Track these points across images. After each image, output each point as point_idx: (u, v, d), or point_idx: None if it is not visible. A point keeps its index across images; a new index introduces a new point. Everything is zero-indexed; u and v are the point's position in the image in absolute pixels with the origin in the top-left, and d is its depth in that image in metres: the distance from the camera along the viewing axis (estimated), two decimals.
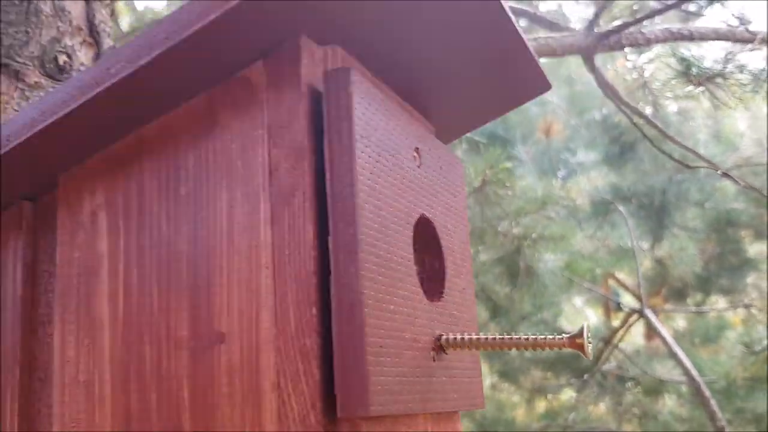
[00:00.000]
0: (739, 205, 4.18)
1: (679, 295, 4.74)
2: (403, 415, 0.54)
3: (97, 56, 0.90)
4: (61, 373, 0.60)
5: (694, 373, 3.39)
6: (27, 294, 0.64)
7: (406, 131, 0.61)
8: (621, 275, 5.05)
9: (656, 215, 4.11)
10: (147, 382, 0.56)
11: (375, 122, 0.56)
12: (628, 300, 5.13)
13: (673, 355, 3.61)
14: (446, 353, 0.60)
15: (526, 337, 0.57)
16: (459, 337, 0.59)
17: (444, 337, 0.60)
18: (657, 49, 2.67)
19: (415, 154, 0.62)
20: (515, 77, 0.70)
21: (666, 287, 4.63)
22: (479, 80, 0.70)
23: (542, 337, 0.57)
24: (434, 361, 0.58)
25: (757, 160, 3.72)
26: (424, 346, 0.57)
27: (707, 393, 3.31)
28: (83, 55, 0.88)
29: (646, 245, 4.24)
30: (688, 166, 3.03)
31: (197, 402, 0.53)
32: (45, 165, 0.63)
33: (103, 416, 0.57)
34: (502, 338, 0.58)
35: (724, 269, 4.42)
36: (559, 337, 0.56)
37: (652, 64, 2.86)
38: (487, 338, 0.58)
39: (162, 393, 0.55)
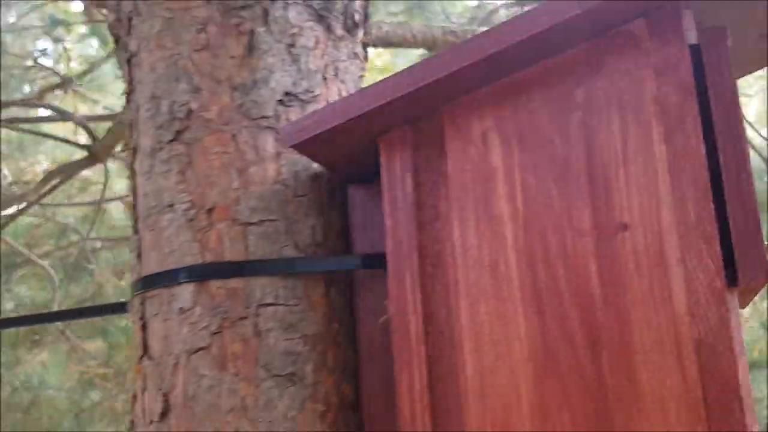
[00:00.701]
0: None
1: None
2: None
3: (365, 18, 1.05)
4: (463, 258, 0.76)
5: None
6: (415, 197, 0.80)
7: None
8: None
9: None
10: (552, 262, 0.72)
11: (727, 71, 0.73)
12: None
13: None
14: None
15: None
16: None
17: None
18: None
19: None
20: None
21: None
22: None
23: None
24: None
25: None
26: None
27: None
28: (361, 17, 1.04)
29: None
30: None
31: (605, 274, 0.70)
32: (428, 96, 0.79)
33: (510, 289, 0.74)
34: None
35: None
36: None
37: None
38: None
39: (569, 269, 0.72)
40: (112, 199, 3.76)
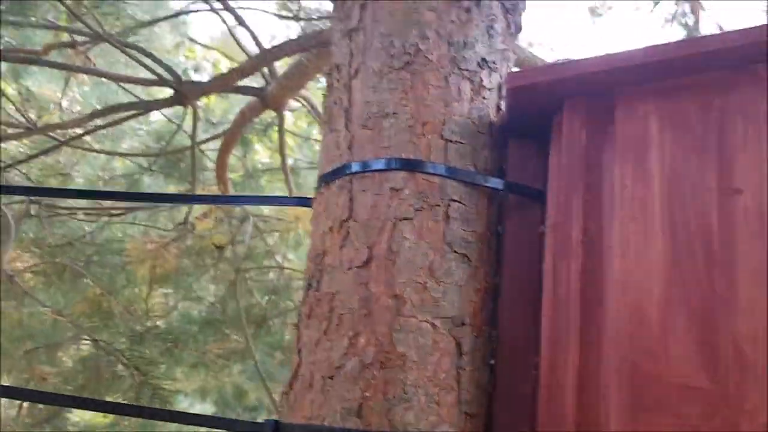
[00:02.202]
0: None
1: None
2: None
3: None
4: (620, 193, 1.07)
5: None
6: (586, 148, 1.11)
7: None
8: None
9: None
10: (686, 205, 1.05)
11: None
12: None
13: None
14: None
15: None
16: None
17: None
18: None
19: None
20: None
21: None
22: None
23: None
24: None
25: None
26: None
27: None
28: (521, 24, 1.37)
29: None
30: None
31: (722, 219, 1.03)
32: (607, 79, 1.12)
33: (653, 218, 1.05)
34: None
35: None
36: None
37: None
38: None
39: (697, 212, 1.04)
40: None
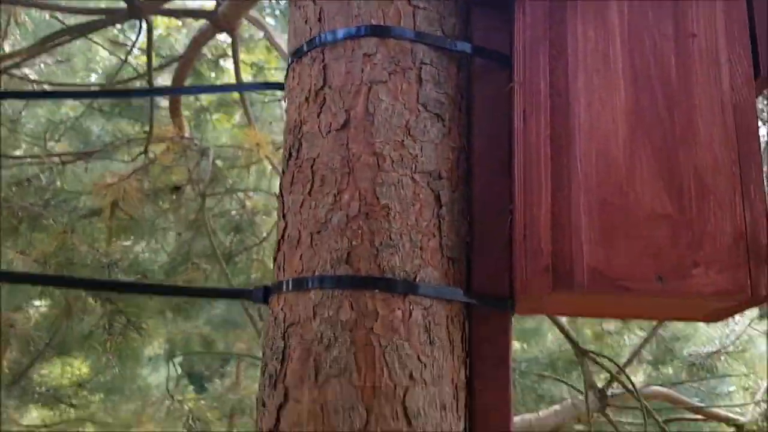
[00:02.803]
0: None
1: None
2: None
3: None
4: (583, 46, 1.12)
5: None
6: (549, 8, 1.15)
7: None
8: None
9: None
10: (646, 52, 1.10)
11: None
12: None
13: None
14: None
15: None
16: None
17: None
18: None
19: None
20: None
21: None
22: None
23: None
24: None
25: None
26: None
27: None
28: None
29: None
30: None
31: (679, 63, 1.09)
32: None
33: (615, 67, 1.10)
34: None
35: None
36: None
37: None
38: None
39: (656, 58, 1.10)
40: None
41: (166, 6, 2.81)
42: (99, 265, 2.85)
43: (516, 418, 3.37)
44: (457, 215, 1.13)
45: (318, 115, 1.14)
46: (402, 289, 1.04)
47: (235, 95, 4.01)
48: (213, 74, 4.54)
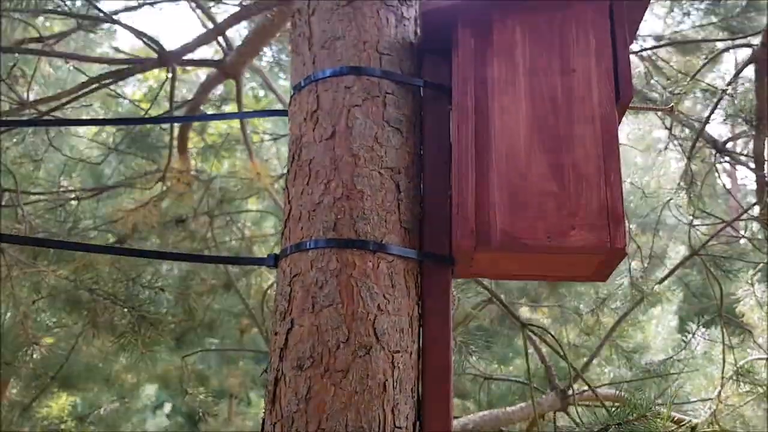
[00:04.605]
0: None
1: None
2: None
3: None
4: (498, 79, 1.60)
5: None
6: (476, 53, 1.63)
7: None
8: None
9: None
10: (540, 81, 1.58)
11: None
12: None
13: None
14: None
15: None
16: None
17: None
18: None
19: None
20: None
21: None
22: None
23: None
24: None
25: None
26: None
27: None
28: None
29: None
30: None
31: (564, 89, 1.57)
32: (486, 5, 1.64)
33: (519, 92, 1.58)
34: None
35: None
36: None
37: None
38: None
39: (548, 85, 1.58)
40: None
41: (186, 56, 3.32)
42: (121, 278, 3.29)
43: (485, 413, 3.78)
44: (412, 199, 1.59)
45: (313, 130, 1.61)
46: (372, 248, 1.50)
47: (237, 133, 4.50)
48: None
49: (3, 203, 4.35)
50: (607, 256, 1.51)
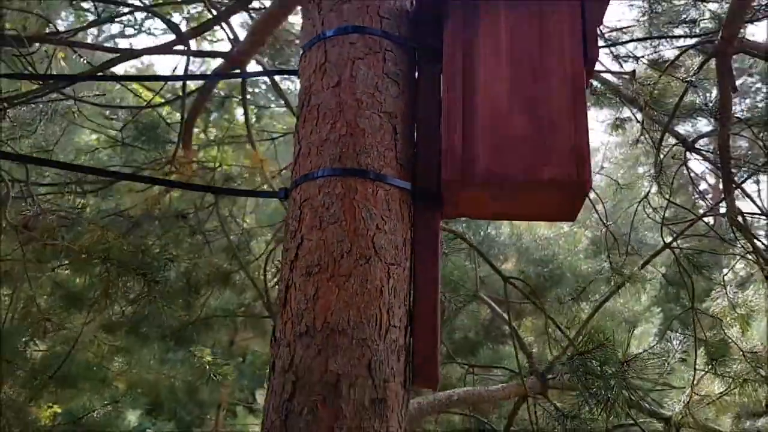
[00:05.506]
0: None
1: None
2: None
3: None
4: (483, 43, 1.85)
5: None
6: (464, 40, 1.88)
7: None
8: None
9: None
10: (521, 45, 1.84)
11: None
12: None
13: None
14: None
15: None
16: None
17: None
18: None
19: None
20: None
21: None
22: None
23: None
24: None
25: None
26: None
27: None
28: None
29: None
30: None
31: (542, 51, 1.82)
32: None
33: (501, 58, 1.83)
34: None
35: None
36: None
37: None
38: None
39: (527, 49, 1.83)
40: None
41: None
42: (133, 251, 3.50)
43: (470, 389, 4.00)
44: (407, 140, 1.83)
45: (321, 79, 1.86)
46: (372, 177, 1.73)
47: (242, 130, 4.75)
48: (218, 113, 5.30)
49: (13, 195, 4.56)
50: (574, 189, 1.75)
